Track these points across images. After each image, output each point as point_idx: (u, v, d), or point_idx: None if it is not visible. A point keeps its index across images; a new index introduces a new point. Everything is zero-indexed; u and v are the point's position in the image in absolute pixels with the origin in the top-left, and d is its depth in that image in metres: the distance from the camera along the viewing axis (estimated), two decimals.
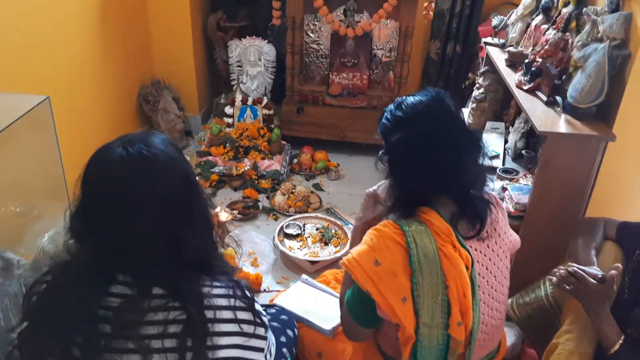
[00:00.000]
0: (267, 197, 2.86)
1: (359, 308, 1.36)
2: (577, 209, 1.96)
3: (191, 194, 1.14)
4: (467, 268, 1.32)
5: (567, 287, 1.55)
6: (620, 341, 1.48)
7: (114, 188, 1.06)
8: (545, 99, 2.05)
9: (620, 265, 1.51)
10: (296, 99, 3.29)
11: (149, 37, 3.17)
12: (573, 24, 2.12)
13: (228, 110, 3.16)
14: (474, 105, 2.67)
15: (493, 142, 2.49)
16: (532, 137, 2.41)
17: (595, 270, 1.54)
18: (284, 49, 3.36)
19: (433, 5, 3.04)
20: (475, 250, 1.42)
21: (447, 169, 1.31)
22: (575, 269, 1.52)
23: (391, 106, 1.41)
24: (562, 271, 1.54)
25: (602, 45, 1.88)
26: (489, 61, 2.70)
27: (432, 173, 1.32)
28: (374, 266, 1.27)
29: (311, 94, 3.31)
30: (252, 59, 3.30)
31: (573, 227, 1.98)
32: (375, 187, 1.57)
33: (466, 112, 2.83)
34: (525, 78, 2.17)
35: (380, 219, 1.56)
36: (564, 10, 2.17)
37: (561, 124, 1.90)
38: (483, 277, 1.50)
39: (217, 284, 1.13)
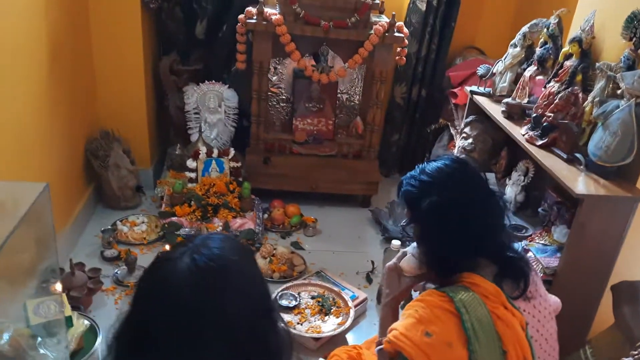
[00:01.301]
0: None
1: None
2: (607, 272, 1.89)
3: (268, 322, 0.95)
4: (522, 329, 1.23)
5: None
6: None
7: (178, 315, 0.87)
8: (564, 156, 1.98)
9: None
10: (261, 148, 3.05)
11: (94, 82, 2.79)
12: (579, 78, 2.09)
13: (191, 163, 2.83)
14: (463, 156, 2.58)
15: None
16: (532, 191, 2.34)
17: None
18: (241, 94, 3.12)
19: (406, 50, 2.95)
20: (524, 311, 1.37)
21: (482, 230, 1.28)
22: None
23: (413, 172, 1.36)
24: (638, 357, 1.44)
25: (625, 103, 1.84)
26: (475, 110, 2.63)
27: (468, 236, 1.26)
28: (425, 338, 1.16)
29: (277, 142, 3.08)
30: (212, 106, 3.02)
31: (601, 291, 1.93)
32: (395, 260, 1.49)
33: None
34: (536, 133, 2.10)
35: (408, 292, 1.50)
36: (567, 63, 2.13)
37: (591, 185, 1.83)
38: (536, 340, 1.45)
39: None
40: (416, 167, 1.37)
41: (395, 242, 2.28)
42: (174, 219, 2.66)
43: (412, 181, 1.34)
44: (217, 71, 3.17)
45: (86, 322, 1.92)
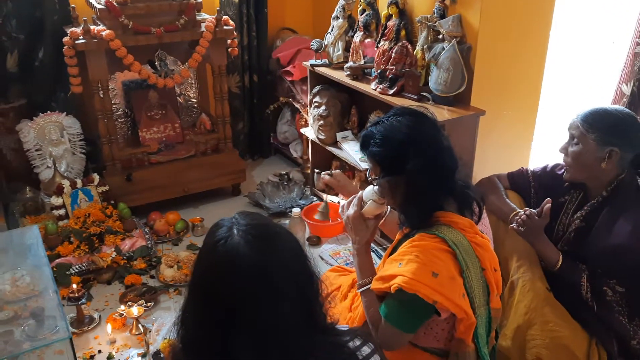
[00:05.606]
0: (152, 277, 2.56)
1: (409, 318, 1.42)
2: (470, 175, 2.36)
3: (308, 260, 1.10)
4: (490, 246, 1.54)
5: (522, 229, 1.87)
6: (561, 258, 1.87)
7: (253, 281, 0.99)
8: (415, 97, 2.39)
9: (550, 199, 1.89)
10: (119, 167, 2.97)
11: None
12: (403, 33, 2.51)
13: (56, 200, 2.66)
14: (322, 122, 2.88)
15: (355, 148, 2.75)
16: None
17: (529, 210, 1.90)
18: (82, 117, 3.00)
19: (236, 41, 3.12)
20: (482, 231, 1.65)
21: (451, 173, 1.46)
22: (528, 212, 1.86)
23: (376, 131, 1.44)
24: (523, 217, 1.85)
25: (449, 44, 2.30)
26: (317, 80, 2.94)
27: (443, 182, 1.44)
28: (433, 278, 1.35)
29: (133, 157, 3.03)
30: (54, 137, 2.86)
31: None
32: (356, 209, 1.59)
33: (312, 130, 3.03)
34: (385, 85, 2.48)
35: (374, 234, 1.66)
36: (390, 23, 2.54)
37: (443, 113, 2.27)
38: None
39: (358, 342, 1.11)
40: (378, 121, 1.45)
41: (296, 210, 2.51)
42: (60, 260, 2.50)
43: (383, 142, 1.42)
44: (44, 101, 2.98)
45: None
